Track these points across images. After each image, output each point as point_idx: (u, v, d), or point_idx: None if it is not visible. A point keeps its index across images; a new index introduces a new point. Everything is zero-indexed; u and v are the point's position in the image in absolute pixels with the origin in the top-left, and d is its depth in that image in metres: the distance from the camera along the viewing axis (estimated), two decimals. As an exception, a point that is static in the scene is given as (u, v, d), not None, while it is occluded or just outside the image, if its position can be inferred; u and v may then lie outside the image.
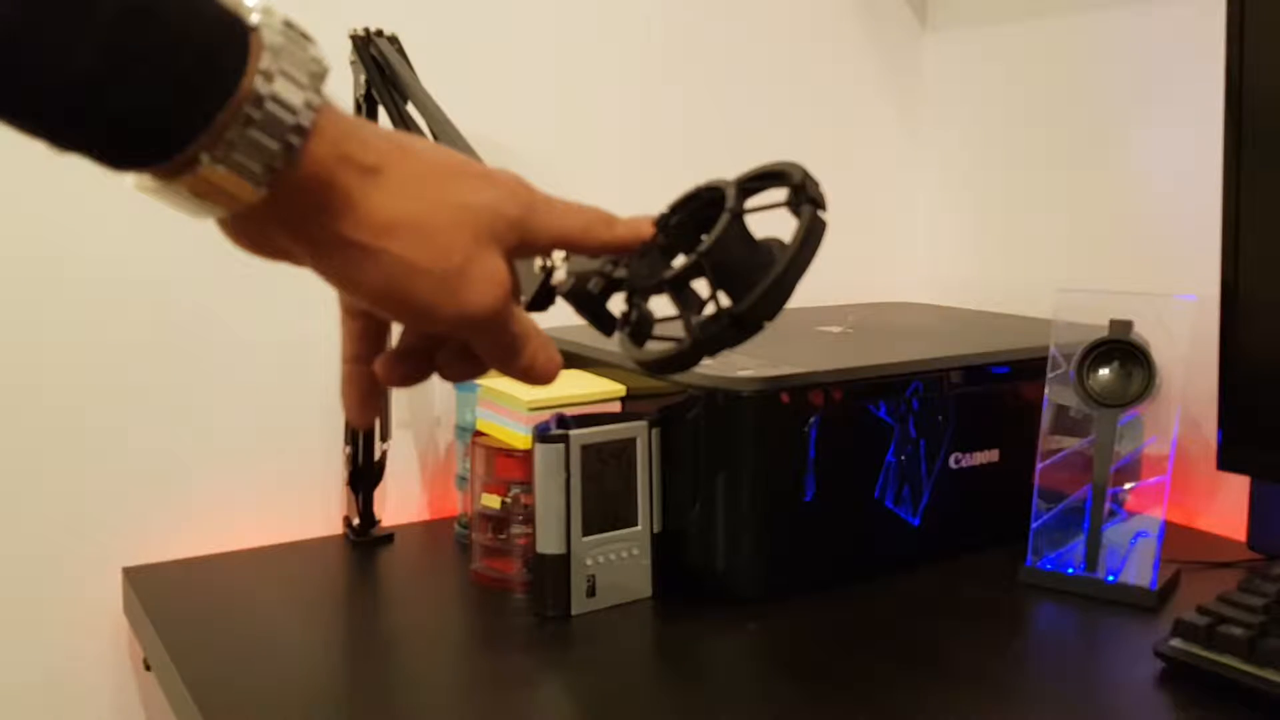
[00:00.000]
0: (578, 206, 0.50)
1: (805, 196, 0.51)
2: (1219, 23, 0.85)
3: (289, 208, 0.41)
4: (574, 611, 0.85)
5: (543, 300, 0.66)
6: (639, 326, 0.55)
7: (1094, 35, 1.20)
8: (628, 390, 0.93)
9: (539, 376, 0.50)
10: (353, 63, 0.98)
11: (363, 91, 0.98)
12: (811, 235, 0.51)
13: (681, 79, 1.25)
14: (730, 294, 0.51)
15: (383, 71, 0.95)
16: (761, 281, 0.50)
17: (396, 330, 0.51)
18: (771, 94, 1.31)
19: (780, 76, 1.31)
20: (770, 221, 0.54)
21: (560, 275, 0.57)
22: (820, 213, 0.51)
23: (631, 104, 1.22)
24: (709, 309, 0.52)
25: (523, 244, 0.47)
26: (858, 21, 1.37)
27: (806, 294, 1.24)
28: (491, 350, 0.49)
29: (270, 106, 0.38)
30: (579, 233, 0.50)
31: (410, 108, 0.92)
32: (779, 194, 0.53)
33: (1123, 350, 0.89)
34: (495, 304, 0.45)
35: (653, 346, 0.55)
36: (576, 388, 0.92)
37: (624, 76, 1.21)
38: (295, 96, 0.39)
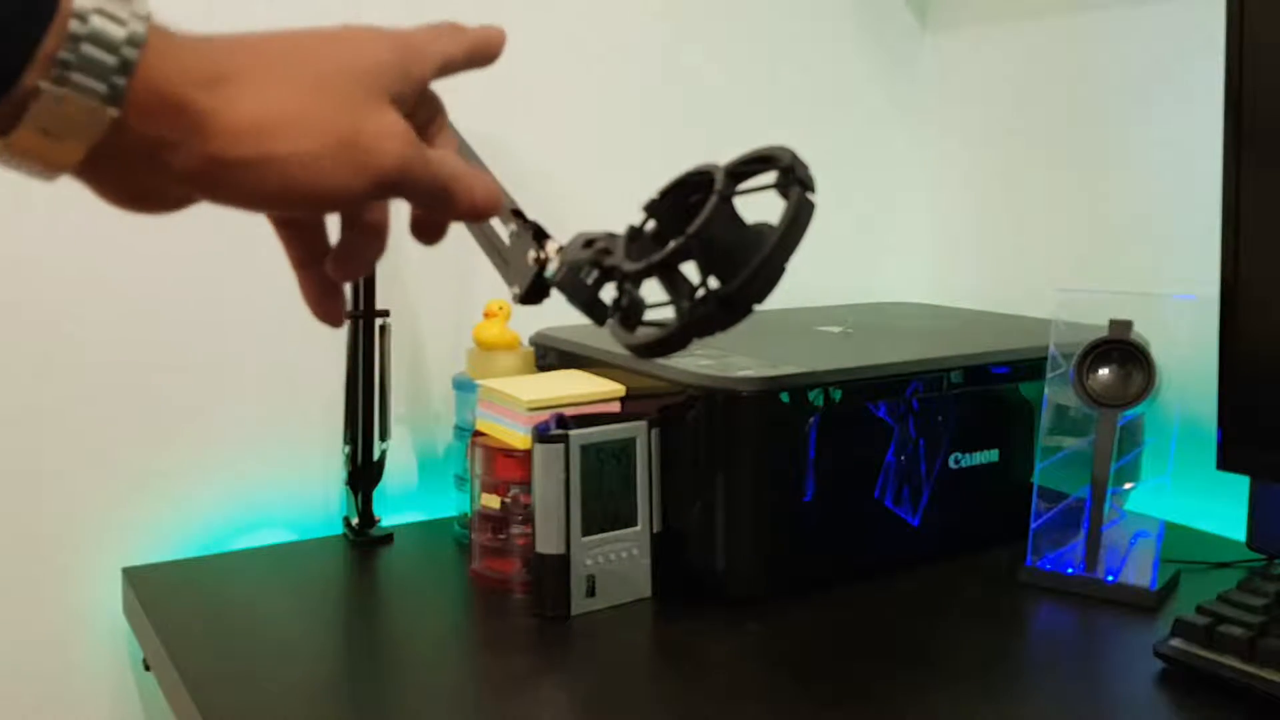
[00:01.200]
0: (432, 26, 0.49)
1: (794, 178, 0.51)
2: (1219, 22, 0.85)
3: (153, 143, 0.39)
4: (574, 611, 0.85)
5: (537, 293, 0.66)
6: (629, 312, 0.55)
7: (1094, 35, 1.20)
8: (628, 390, 0.93)
9: (482, 210, 0.49)
10: (352, 63, 0.98)
11: (362, 91, 0.98)
12: (799, 216, 0.50)
13: (681, 79, 1.25)
14: (720, 276, 0.51)
15: (382, 71, 0.95)
16: (750, 263, 0.50)
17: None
18: (771, 93, 1.31)
19: (780, 76, 1.31)
20: (767, 212, 0.54)
21: (553, 267, 0.57)
22: (809, 194, 0.51)
23: (631, 103, 1.22)
24: (701, 294, 0.52)
25: (410, 82, 0.46)
26: (858, 21, 1.37)
27: (806, 294, 1.25)
28: (424, 201, 0.48)
29: (97, 21, 0.37)
30: (461, 50, 0.49)
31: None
32: (769, 178, 0.53)
33: (1123, 350, 0.89)
34: (401, 157, 0.44)
35: (644, 331, 0.55)
36: (576, 388, 0.92)
37: (624, 75, 1.21)
38: (119, 9, 0.38)
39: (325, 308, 0.51)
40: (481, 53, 0.52)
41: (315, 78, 0.42)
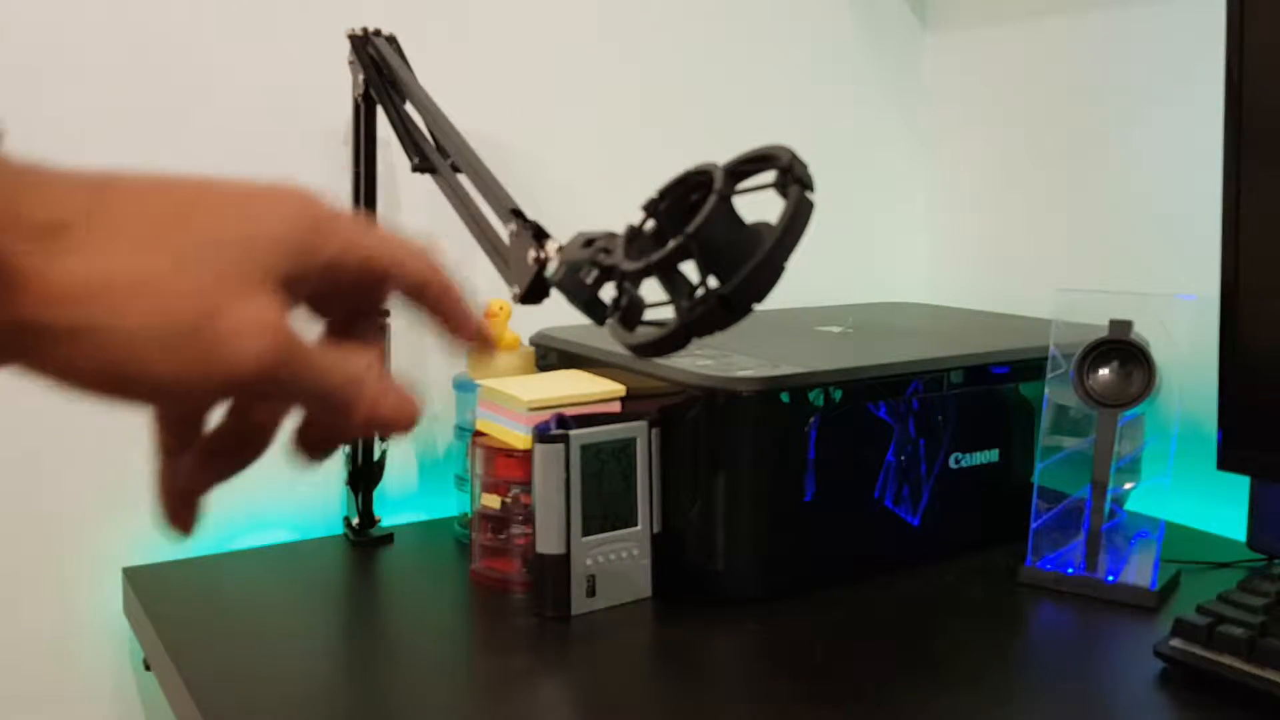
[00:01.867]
0: (386, 226, 0.41)
1: (792, 177, 0.51)
2: (1219, 22, 0.85)
3: None
4: (574, 611, 0.85)
5: (536, 293, 0.66)
6: (629, 312, 0.55)
7: (1094, 35, 1.20)
8: (628, 390, 0.93)
9: (388, 426, 0.40)
10: (351, 63, 0.98)
11: (360, 91, 0.98)
12: (798, 215, 0.50)
13: (681, 79, 1.25)
14: (719, 276, 0.51)
15: (380, 71, 0.95)
16: (749, 262, 0.50)
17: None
18: (772, 94, 1.31)
19: (780, 76, 1.31)
20: (766, 211, 0.54)
21: (553, 266, 0.57)
22: (808, 193, 0.51)
23: (631, 103, 1.22)
24: (700, 293, 0.52)
25: (314, 261, 0.37)
26: (858, 21, 1.37)
27: (806, 294, 1.25)
28: (309, 407, 0.40)
29: None
30: (403, 253, 0.40)
31: (409, 107, 0.92)
32: (768, 177, 0.53)
33: (1123, 350, 0.89)
34: (264, 354, 0.35)
35: (643, 330, 0.55)
36: (576, 388, 0.92)
37: (623, 76, 1.21)
38: None
39: (179, 513, 0.41)
40: (415, 287, 0.41)
41: (181, 242, 0.34)
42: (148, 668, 0.90)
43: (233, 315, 0.34)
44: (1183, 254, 1.11)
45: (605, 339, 0.58)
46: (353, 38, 0.97)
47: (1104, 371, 0.90)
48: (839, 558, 0.91)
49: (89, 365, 0.33)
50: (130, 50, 0.97)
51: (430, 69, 1.02)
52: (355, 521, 1.04)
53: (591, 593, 0.85)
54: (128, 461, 1.00)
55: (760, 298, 0.51)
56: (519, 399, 0.88)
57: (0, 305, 0.31)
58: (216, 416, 0.41)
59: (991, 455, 0.97)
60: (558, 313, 0.88)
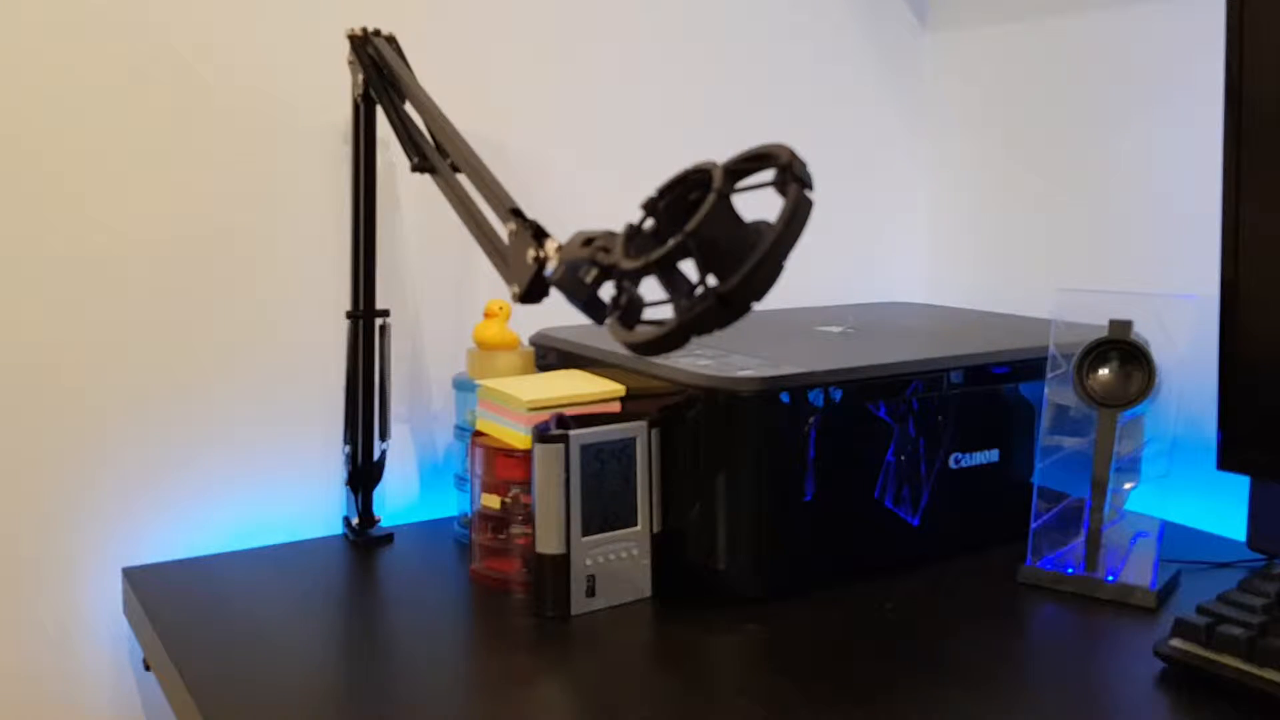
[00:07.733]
0: None
1: (791, 175, 0.51)
2: (1218, 22, 0.85)
3: None
4: (574, 611, 0.85)
5: (536, 292, 0.66)
6: (628, 310, 0.55)
7: (1093, 35, 1.20)
8: (628, 390, 0.93)
9: None
10: (350, 63, 0.98)
11: (360, 91, 0.98)
12: (797, 213, 0.50)
13: (681, 79, 1.25)
14: (718, 274, 0.51)
15: (380, 71, 0.95)
16: (748, 260, 0.50)
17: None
18: (772, 94, 1.31)
19: (780, 77, 1.32)
20: (765, 210, 0.54)
21: (552, 265, 0.57)
22: (807, 192, 0.51)
23: (630, 104, 1.22)
24: (699, 291, 0.52)
25: None
26: (858, 21, 1.37)
27: (806, 294, 1.25)
28: None
29: None
30: None
31: (408, 107, 0.92)
32: (767, 176, 0.53)
33: (1123, 350, 0.89)
34: None
35: (643, 329, 0.55)
36: (576, 388, 0.92)
37: (623, 76, 1.21)
38: None
39: None
40: None
41: None
42: (148, 668, 0.90)
43: None
44: (1183, 254, 1.11)
45: (605, 339, 0.58)
46: (353, 38, 0.97)
47: (1104, 371, 0.90)
48: (839, 558, 0.91)
49: None
50: (130, 51, 0.97)
51: (430, 69, 1.02)
52: (355, 521, 1.04)
53: (591, 593, 0.85)
54: (128, 461, 1.00)
55: (759, 296, 0.51)
56: (519, 399, 0.88)
57: None
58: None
59: (991, 455, 0.97)
60: (558, 313, 0.88)
